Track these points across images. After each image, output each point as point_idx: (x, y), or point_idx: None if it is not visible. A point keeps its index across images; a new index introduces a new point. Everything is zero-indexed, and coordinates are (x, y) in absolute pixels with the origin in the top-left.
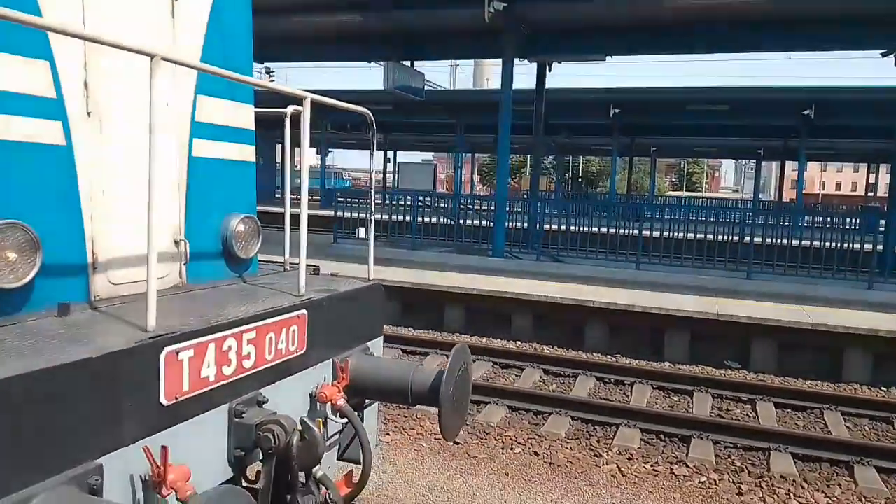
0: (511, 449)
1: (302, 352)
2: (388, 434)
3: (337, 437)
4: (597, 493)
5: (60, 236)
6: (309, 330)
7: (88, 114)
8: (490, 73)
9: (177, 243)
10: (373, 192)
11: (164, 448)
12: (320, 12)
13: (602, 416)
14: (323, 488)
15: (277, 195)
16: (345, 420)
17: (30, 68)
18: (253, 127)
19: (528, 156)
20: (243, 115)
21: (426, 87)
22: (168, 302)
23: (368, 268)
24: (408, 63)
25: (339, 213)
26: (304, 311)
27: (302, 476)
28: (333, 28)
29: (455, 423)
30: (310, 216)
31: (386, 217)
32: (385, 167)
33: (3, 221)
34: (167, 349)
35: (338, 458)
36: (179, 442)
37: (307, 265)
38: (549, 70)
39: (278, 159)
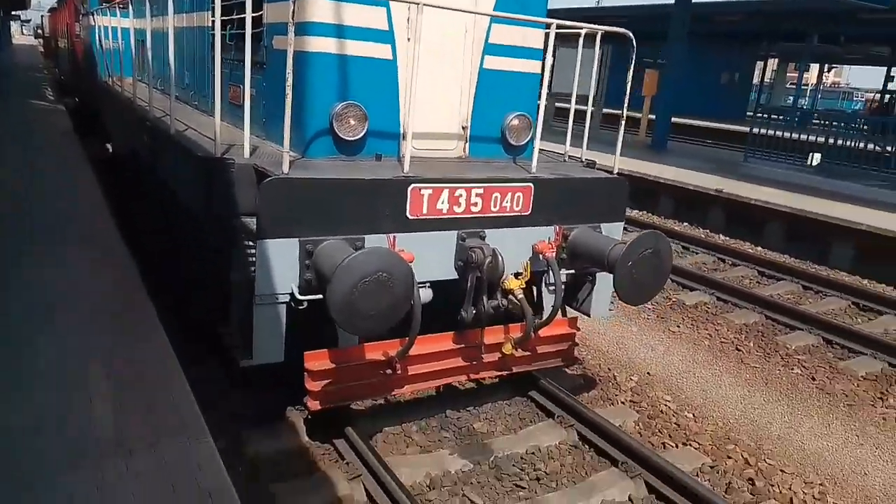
0: (790, 368)
1: (527, 213)
2: (679, 327)
3: (562, 285)
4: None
5: (385, 115)
6: (535, 199)
7: (408, 39)
8: None
9: (463, 128)
10: (625, 110)
11: (394, 237)
12: None
13: None
14: (505, 300)
15: (749, 114)
16: (571, 272)
17: (375, 12)
18: (540, 46)
19: None
20: (531, 38)
21: None
22: (446, 164)
23: (615, 162)
24: None
25: (754, 130)
26: (530, 185)
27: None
28: None
29: (632, 290)
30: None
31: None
32: (884, 86)
33: (349, 102)
34: (412, 185)
35: (570, 306)
36: (417, 243)
37: (586, 159)
38: None
39: (756, 79)
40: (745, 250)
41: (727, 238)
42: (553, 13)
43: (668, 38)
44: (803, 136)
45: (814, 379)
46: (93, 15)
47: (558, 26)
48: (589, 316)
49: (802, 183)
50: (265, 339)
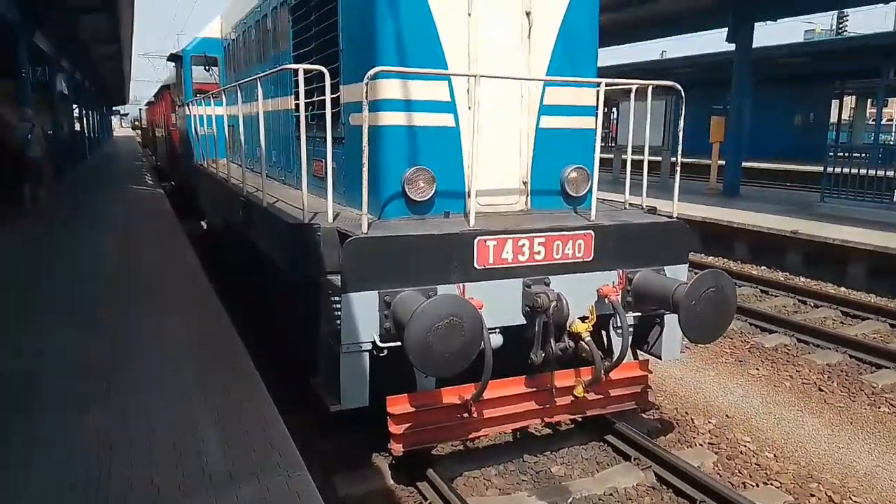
0: (877, 407)
1: (589, 259)
2: (758, 370)
3: (629, 328)
4: None
5: (451, 176)
6: (596, 245)
7: (469, 108)
8: None
9: (524, 183)
10: (679, 157)
11: (463, 287)
12: None
13: None
14: (572, 342)
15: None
16: (637, 314)
17: (437, 87)
18: (592, 103)
19: None
20: (583, 97)
21: None
22: (509, 217)
23: (673, 206)
24: None
25: (830, 169)
26: (591, 232)
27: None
28: None
29: (699, 329)
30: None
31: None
32: None
33: (418, 166)
34: (479, 238)
35: (641, 350)
36: (486, 292)
37: (646, 205)
38: None
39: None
40: (826, 291)
41: (808, 280)
42: (616, 69)
43: (732, 84)
44: (881, 173)
45: None
46: (188, 106)
47: (607, 84)
48: (660, 359)
49: (885, 220)
50: (351, 384)
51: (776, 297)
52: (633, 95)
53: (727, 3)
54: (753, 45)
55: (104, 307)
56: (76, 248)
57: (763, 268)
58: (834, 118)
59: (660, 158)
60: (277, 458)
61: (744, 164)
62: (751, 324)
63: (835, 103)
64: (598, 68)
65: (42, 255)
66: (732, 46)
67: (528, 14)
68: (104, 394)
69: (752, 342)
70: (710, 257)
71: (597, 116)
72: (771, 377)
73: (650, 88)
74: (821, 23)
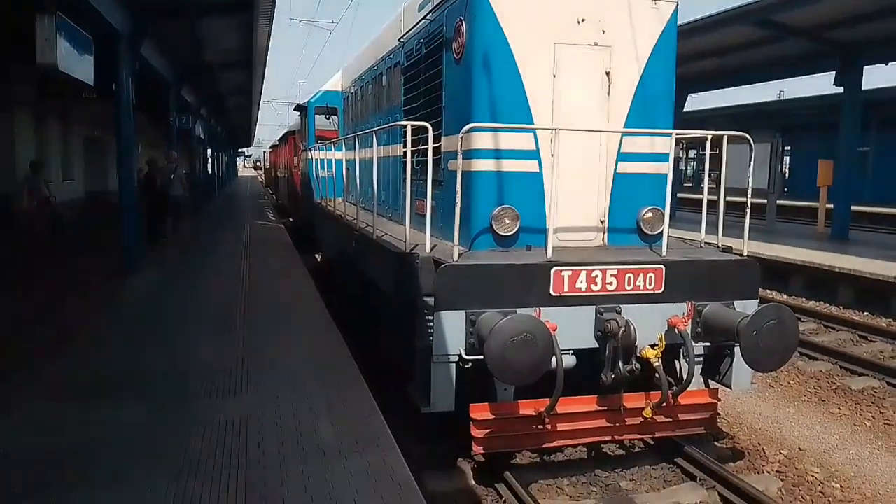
0: None
1: (659, 291)
2: (839, 409)
3: (697, 356)
4: None
5: (534, 214)
6: (667, 278)
7: (552, 155)
8: None
9: (601, 222)
10: (749, 199)
11: (539, 310)
12: None
13: None
14: (638, 365)
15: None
16: (706, 344)
17: (524, 138)
18: (666, 150)
19: None
20: (657, 144)
21: None
22: (586, 252)
23: (744, 245)
24: None
25: None
26: (662, 266)
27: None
28: None
29: (759, 357)
30: None
31: None
32: None
33: (505, 205)
34: (555, 268)
35: (712, 379)
36: (560, 317)
37: (722, 245)
38: None
39: None
40: None
41: None
42: (729, 110)
43: (840, 127)
44: None
45: None
46: (310, 150)
47: (678, 135)
48: (730, 388)
49: None
50: (440, 390)
51: (874, 342)
52: (708, 144)
53: (832, 49)
54: (880, 86)
55: (238, 322)
56: (212, 274)
57: (865, 313)
58: None
59: (765, 201)
60: (376, 440)
61: (861, 208)
62: (841, 366)
63: None
64: (710, 109)
65: (183, 281)
66: None
67: (608, 74)
68: (242, 387)
69: (838, 384)
70: (812, 301)
71: (673, 161)
72: (852, 416)
73: (725, 137)
74: None
